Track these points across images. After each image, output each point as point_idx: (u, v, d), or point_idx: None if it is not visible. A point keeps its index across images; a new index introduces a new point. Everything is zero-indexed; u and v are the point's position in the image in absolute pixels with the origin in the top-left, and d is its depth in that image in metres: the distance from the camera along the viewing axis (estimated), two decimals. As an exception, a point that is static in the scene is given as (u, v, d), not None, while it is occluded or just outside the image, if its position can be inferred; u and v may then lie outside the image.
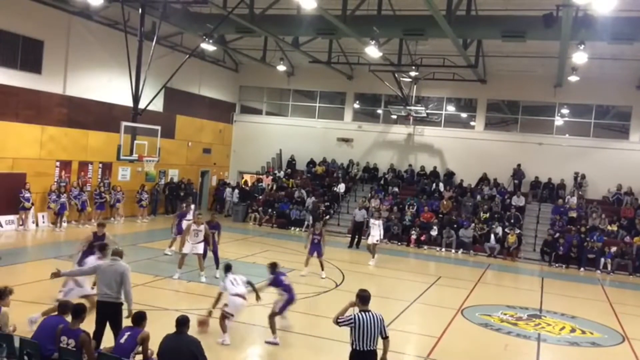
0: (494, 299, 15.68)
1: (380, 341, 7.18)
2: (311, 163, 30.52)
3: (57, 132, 21.34)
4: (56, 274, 8.58)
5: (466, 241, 23.46)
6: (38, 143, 20.67)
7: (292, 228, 26.22)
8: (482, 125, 28.51)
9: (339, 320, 7.19)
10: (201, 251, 14.64)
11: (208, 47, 24.15)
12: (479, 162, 27.55)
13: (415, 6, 18.63)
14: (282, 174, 30.10)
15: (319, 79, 29.89)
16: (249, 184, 30.34)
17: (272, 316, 10.49)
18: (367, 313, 7.12)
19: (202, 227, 14.88)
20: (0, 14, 18.79)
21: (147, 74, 20.33)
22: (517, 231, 23.32)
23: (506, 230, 23.36)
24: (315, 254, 16.28)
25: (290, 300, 10.82)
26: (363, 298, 7.23)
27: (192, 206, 19.10)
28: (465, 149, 28.11)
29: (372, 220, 20.02)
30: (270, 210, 27.05)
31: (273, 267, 11.02)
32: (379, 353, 7.22)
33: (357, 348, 7.04)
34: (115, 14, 21.72)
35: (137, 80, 20.42)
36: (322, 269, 16.31)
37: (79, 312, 7.33)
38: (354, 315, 7.10)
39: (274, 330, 10.38)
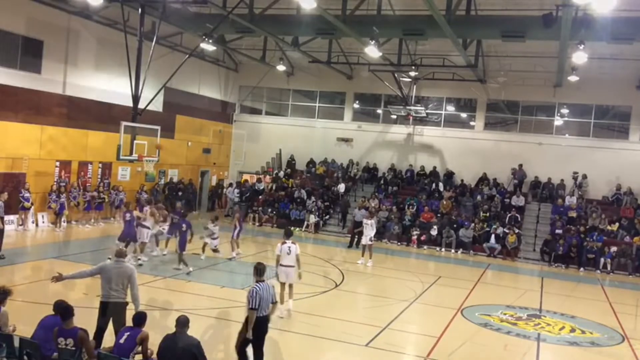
0: (493, 299, 15.69)
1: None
2: (311, 163, 30.52)
3: (56, 132, 21.34)
4: (58, 278, 8.55)
5: (466, 241, 23.45)
6: (38, 143, 20.66)
7: (292, 228, 26.13)
8: (482, 125, 28.52)
9: (250, 307, 7.95)
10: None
11: (208, 47, 24.14)
12: (478, 162, 27.57)
13: (415, 6, 18.63)
14: (282, 173, 30.10)
15: (318, 79, 29.90)
16: (249, 184, 30.31)
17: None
18: (262, 283, 8.20)
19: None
20: (0, 14, 18.78)
21: (147, 74, 20.31)
22: (517, 231, 23.33)
23: (506, 230, 23.36)
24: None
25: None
26: (259, 270, 8.38)
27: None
28: (465, 148, 28.12)
29: (365, 220, 19.68)
30: (270, 210, 27.04)
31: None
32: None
33: (260, 314, 7.99)
34: (114, 14, 21.69)
35: (137, 80, 20.41)
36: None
37: (68, 311, 7.24)
38: (255, 287, 8.11)
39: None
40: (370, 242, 18.99)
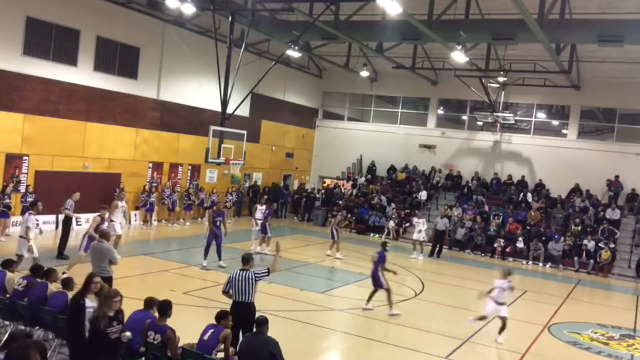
0: (583, 317, 14.85)
1: (257, 297, 8.60)
2: (392, 169, 30.27)
3: (150, 135, 22.44)
4: None
5: (555, 255, 22.39)
6: (133, 145, 21.81)
7: (371, 234, 26.09)
8: (575, 133, 27.17)
9: (223, 290, 8.70)
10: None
11: (293, 53, 24.56)
12: (570, 172, 26.23)
13: (505, 10, 18.04)
14: (362, 179, 30.06)
15: (402, 85, 29.65)
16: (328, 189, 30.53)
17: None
18: (242, 272, 8.50)
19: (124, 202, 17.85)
20: (100, 23, 20.00)
21: (235, 80, 20.93)
22: (612, 246, 21.99)
23: (600, 244, 22.07)
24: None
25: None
26: (244, 259, 8.79)
27: (274, 205, 19.53)
28: (556, 158, 26.87)
29: (415, 219, 22.16)
30: (349, 215, 27.03)
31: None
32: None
33: (234, 299, 8.46)
34: (206, 22, 22.57)
35: (226, 86, 21.08)
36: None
37: (167, 309, 7.57)
38: (231, 273, 8.60)
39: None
40: (423, 239, 21.53)
